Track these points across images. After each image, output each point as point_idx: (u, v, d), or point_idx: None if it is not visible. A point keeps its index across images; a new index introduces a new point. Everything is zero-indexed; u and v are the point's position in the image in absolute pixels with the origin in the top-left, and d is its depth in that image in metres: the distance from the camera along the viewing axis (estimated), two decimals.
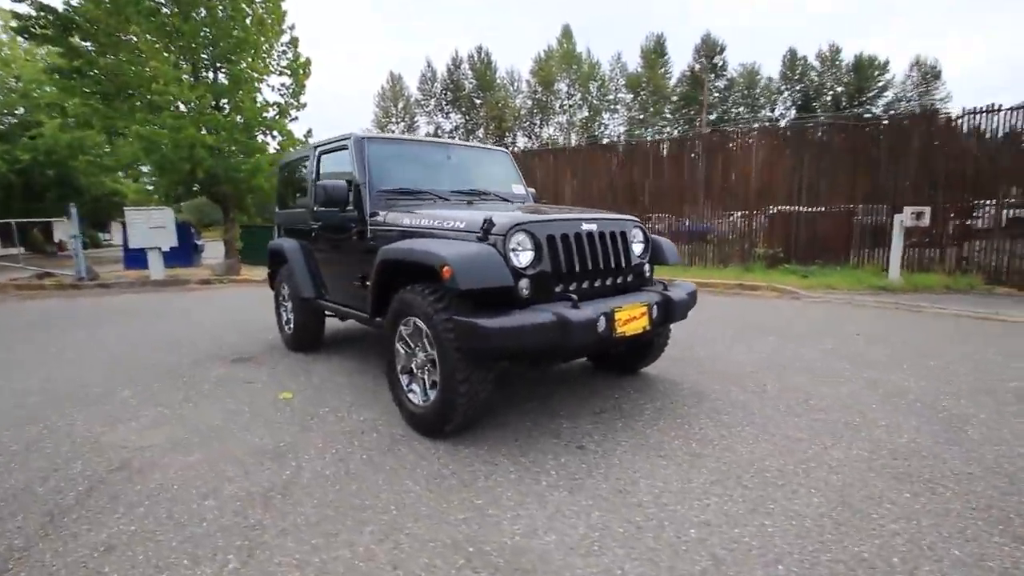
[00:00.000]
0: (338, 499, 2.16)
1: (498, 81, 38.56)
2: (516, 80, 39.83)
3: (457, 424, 2.62)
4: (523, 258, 2.62)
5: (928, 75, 47.27)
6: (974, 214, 8.96)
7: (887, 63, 47.97)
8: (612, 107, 41.81)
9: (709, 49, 44.78)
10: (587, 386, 3.55)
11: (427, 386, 2.73)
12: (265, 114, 11.83)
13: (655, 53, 43.47)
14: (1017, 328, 5.24)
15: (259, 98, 11.89)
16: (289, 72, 12.20)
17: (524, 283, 2.58)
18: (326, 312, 4.49)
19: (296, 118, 13.09)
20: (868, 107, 46.89)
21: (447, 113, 39.32)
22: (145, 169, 15.25)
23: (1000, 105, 8.32)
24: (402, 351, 2.91)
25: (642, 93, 42.72)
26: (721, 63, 44.27)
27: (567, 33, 39.81)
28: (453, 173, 3.98)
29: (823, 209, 9.95)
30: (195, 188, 11.73)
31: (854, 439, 2.65)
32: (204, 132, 10.43)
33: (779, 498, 2.11)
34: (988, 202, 8.69)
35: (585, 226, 2.90)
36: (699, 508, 2.04)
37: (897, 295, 7.89)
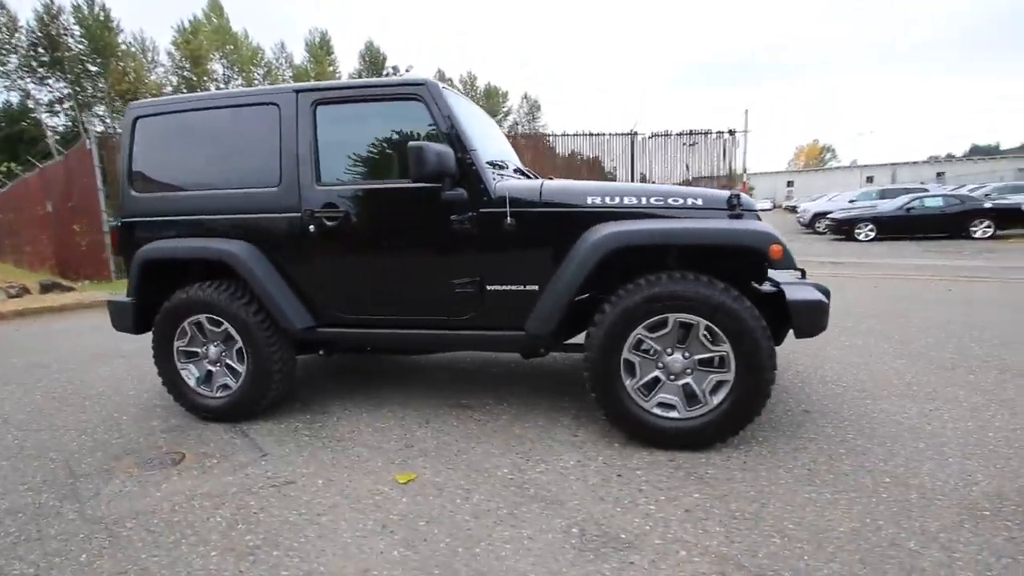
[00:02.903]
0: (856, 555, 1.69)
1: (124, 47, 29.39)
2: (152, 49, 31.34)
3: None
4: None
5: (533, 107, 61.64)
6: None
7: (507, 93, 59.97)
8: None
9: (373, 56, 46.12)
10: None
11: (706, 392, 2.28)
12: None
13: (320, 48, 41.83)
14: None
15: None
16: None
17: None
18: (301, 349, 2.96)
19: None
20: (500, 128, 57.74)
21: (42, 78, 27.29)
22: None
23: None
24: (636, 361, 2.33)
25: None
26: (388, 73, 46.25)
27: (216, 7, 33.73)
28: (486, 138, 3.13)
29: None
30: None
31: (954, 374, 3.64)
32: None
33: None
34: None
35: None
36: None
37: None
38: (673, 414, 2.32)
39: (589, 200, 2.44)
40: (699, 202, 2.42)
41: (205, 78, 32.62)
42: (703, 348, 2.27)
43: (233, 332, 2.74)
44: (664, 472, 2.17)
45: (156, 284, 2.90)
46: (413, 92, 2.54)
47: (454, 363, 3.80)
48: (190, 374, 2.88)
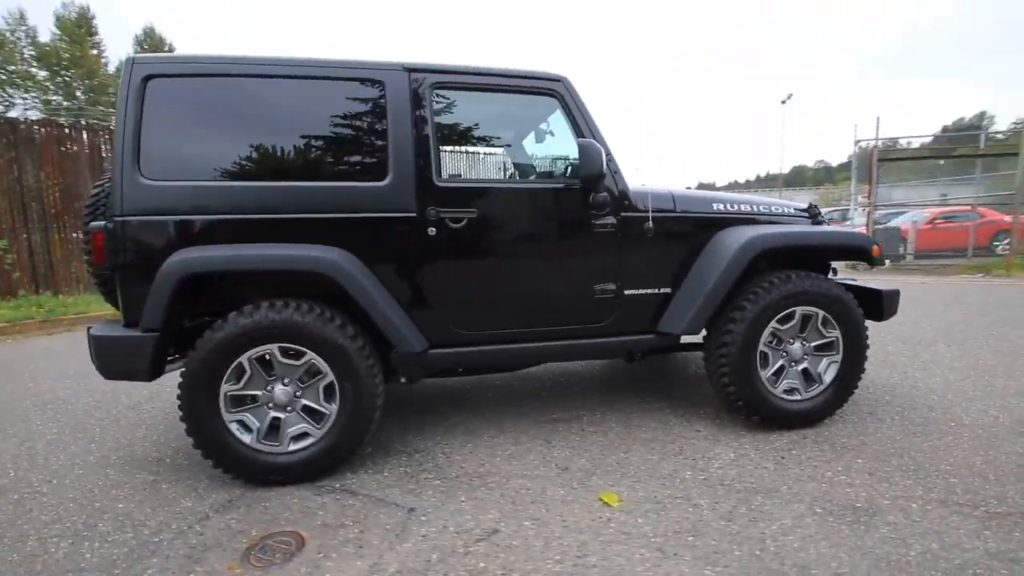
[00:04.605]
0: None
1: None
2: None
3: None
4: None
5: None
6: None
7: None
8: (21, 83, 29.56)
9: (155, 44, 38.97)
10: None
11: (821, 374, 2.59)
12: None
13: (79, 27, 33.66)
14: None
15: None
16: None
17: None
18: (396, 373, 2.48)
19: None
20: None
21: None
22: None
23: None
24: (768, 352, 2.55)
25: (65, 73, 32.31)
26: None
27: None
28: None
29: None
30: None
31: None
32: None
33: None
34: None
35: None
36: None
37: None
38: (796, 396, 2.60)
39: (715, 207, 2.61)
40: (791, 210, 2.79)
41: None
42: (819, 335, 2.60)
43: (321, 364, 2.14)
44: (811, 449, 2.42)
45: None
46: (549, 87, 2.39)
47: (483, 380, 3.53)
48: (243, 427, 2.15)
